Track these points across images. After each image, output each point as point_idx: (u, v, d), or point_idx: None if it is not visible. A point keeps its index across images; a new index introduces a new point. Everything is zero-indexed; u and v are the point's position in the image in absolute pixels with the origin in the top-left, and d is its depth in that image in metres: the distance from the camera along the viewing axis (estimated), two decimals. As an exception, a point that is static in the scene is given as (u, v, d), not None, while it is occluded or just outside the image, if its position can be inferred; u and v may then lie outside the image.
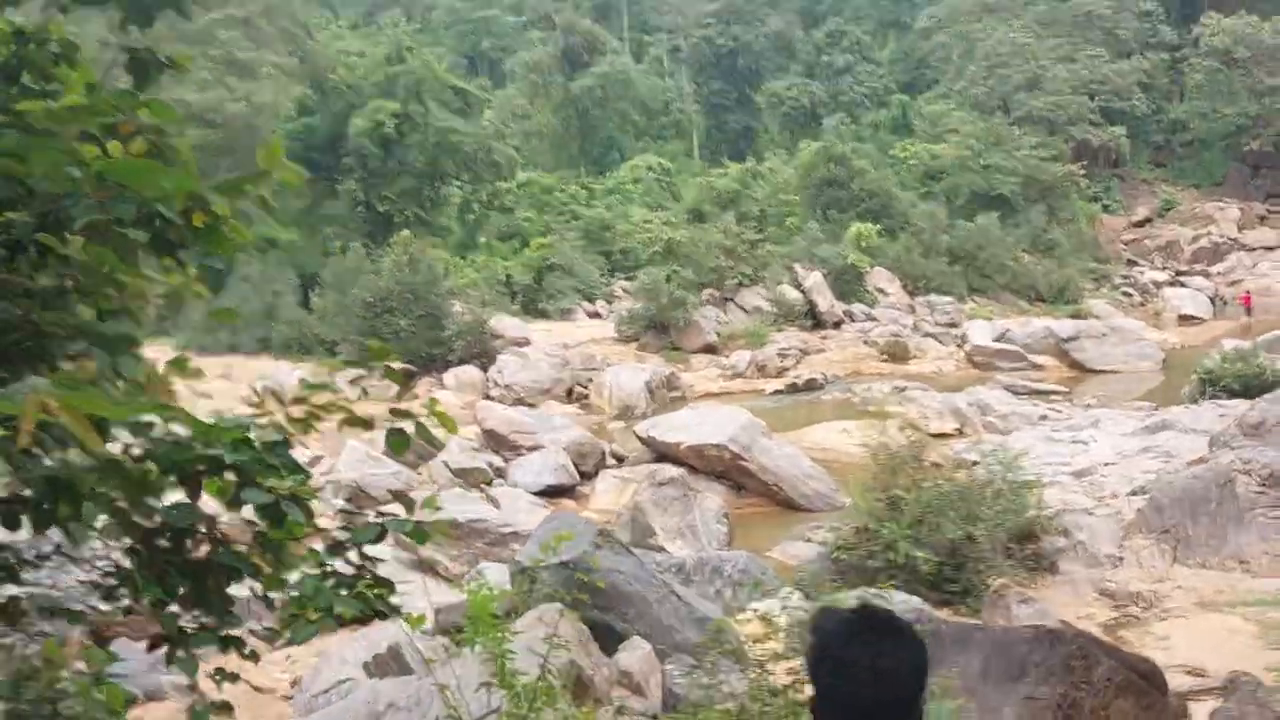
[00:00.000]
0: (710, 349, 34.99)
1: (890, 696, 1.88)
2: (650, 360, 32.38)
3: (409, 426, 2.45)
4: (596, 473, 20.68)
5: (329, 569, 2.55)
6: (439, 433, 2.48)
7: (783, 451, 19.14)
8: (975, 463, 12.69)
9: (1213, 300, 43.55)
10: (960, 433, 23.44)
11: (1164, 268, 50.97)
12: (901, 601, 9.75)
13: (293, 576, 2.52)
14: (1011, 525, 11.69)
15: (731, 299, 38.84)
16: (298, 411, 2.45)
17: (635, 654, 8.25)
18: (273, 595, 2.55)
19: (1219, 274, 49.75)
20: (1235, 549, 10.78)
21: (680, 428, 19.83)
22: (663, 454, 19.99)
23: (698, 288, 36.81)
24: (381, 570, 2.62)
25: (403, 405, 2.45)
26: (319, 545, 2.60)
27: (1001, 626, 8.37)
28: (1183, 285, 46.82)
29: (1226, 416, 15.20)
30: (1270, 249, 53.99)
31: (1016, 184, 48.64)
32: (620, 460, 21.87)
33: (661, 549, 13.21)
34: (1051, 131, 53.59)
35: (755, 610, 9.04)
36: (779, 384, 31.54)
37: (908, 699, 1.90)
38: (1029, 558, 11.75)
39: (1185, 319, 40.70)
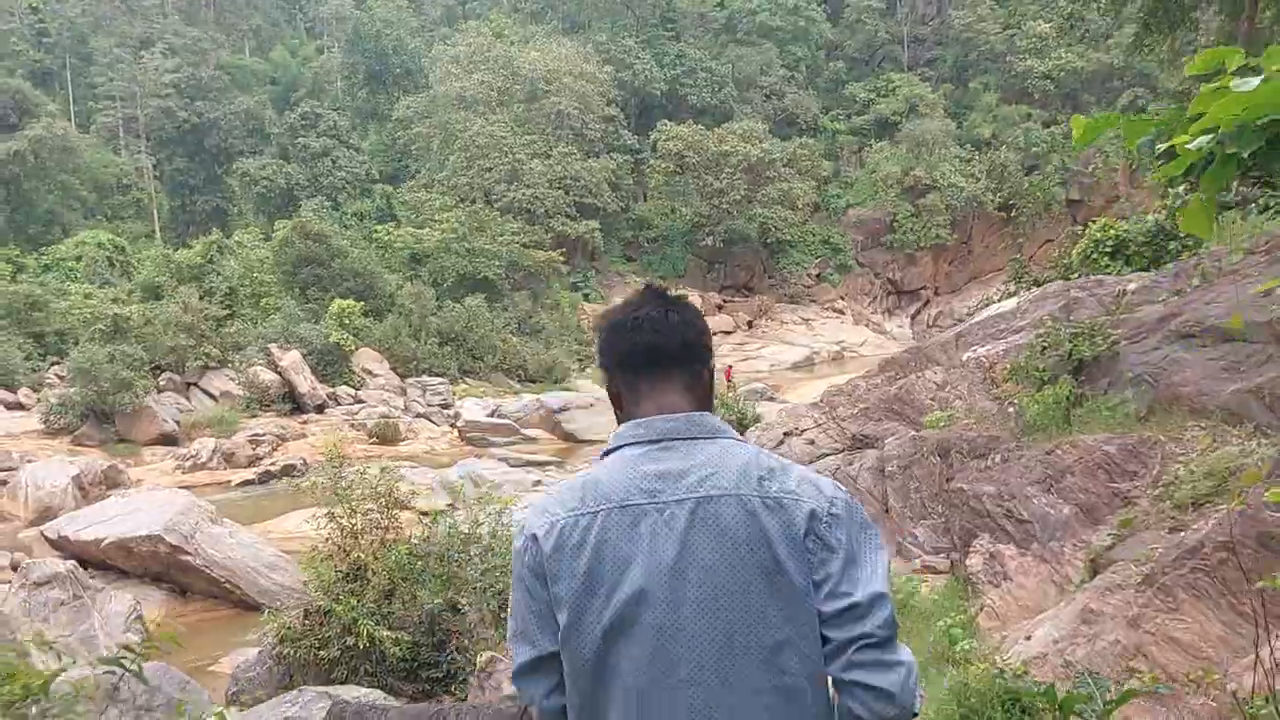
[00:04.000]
0: (169, 439, 30.13)
1: (682, 341, 1.94)
2: (89, 454, 26.94)
3: None
4: (-14, 591, 15.78)
5: None
6: None
7: (238, 540, 15.73)
8: (449, 507, 10.52)
9: (685, 376, 46.05)
10: (453, 508, 21.43)
11: (640, 349, 53.63)
12: (356, 698, 7.12)
13: None
14: (503, 587, 9.54)
15: (196, 383, 34.16)
16: None
17: None
18: None
19: (688, 354, 53.28)
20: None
21: (102, 521, 15.71)
22: (81, 557, 15.69)
23: (153, 370, 31.80)
24: None
25: None
26: None
27: (473, 704, 6.09)
28: (659, 364, 49.38)
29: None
30: (728, 333, 59.42)
31: (501, 268, 48.77)
32: (25, 572, 17.01)
33: (36, 674, 9.39)
34: (532, 222, 54.79)
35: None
36: (250, 474, 27.67)
37: (700, 347, 1.97)
38: (526, 626, 9.64)
39: (663, 393, 42.57)
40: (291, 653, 8.45)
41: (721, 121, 64.39)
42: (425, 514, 18.76)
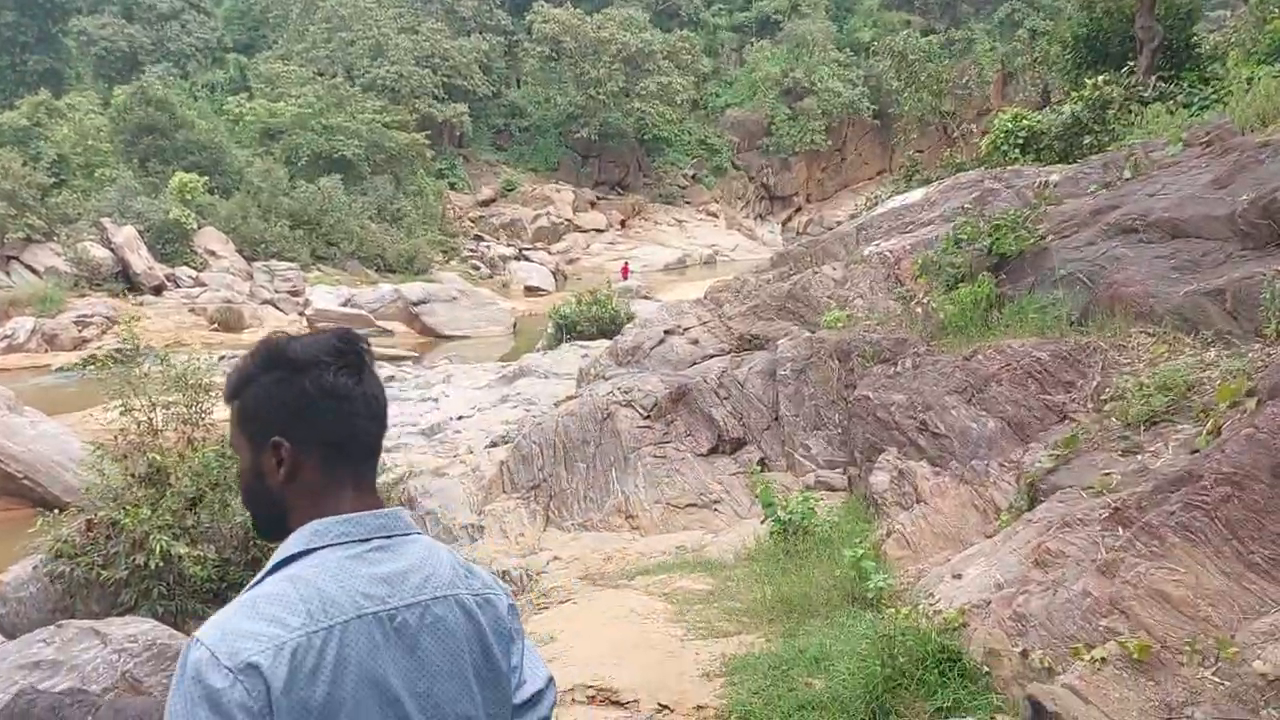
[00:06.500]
0: (-19, 318, 27.42)
1: (380, 431, 1.58)
2: (-119, 333, 24.22)
3: None
4: None
5: None
6: None
7: (40, 431, 13.95)
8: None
9: (554, 274, 44.60)
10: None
11: (509, 244, 51.89)
12: (142, 631, 5.81)
13: None
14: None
15: (16, 257, 31.17)
16: None
17: None
18: None
19: (558, 251, 51.86)
20: (620, 501, 8.36)
21: (-123, 406, 13.65)
22: None
23: (-37, 241, 28.80)
24: None
25: None
26: None
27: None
28: (528, 260, 47.85)
29: (589, 356, 13.28)
30: (600, 231, 57.91)
31: (360, 148, 45.95)
32: None
33: None
34: (396, 101, 51.80)
35: None
36: (74, 357, 25.30)
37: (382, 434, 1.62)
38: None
39: (531, 290, 40.96)
40: (69, 571, 7.02)
41: (601, 7, 61.92)
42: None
